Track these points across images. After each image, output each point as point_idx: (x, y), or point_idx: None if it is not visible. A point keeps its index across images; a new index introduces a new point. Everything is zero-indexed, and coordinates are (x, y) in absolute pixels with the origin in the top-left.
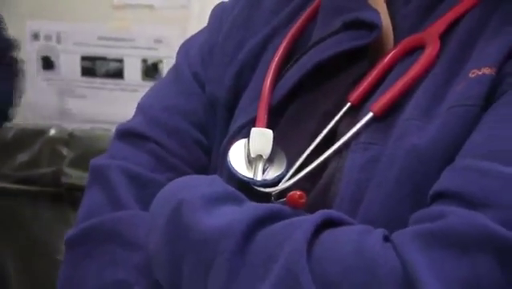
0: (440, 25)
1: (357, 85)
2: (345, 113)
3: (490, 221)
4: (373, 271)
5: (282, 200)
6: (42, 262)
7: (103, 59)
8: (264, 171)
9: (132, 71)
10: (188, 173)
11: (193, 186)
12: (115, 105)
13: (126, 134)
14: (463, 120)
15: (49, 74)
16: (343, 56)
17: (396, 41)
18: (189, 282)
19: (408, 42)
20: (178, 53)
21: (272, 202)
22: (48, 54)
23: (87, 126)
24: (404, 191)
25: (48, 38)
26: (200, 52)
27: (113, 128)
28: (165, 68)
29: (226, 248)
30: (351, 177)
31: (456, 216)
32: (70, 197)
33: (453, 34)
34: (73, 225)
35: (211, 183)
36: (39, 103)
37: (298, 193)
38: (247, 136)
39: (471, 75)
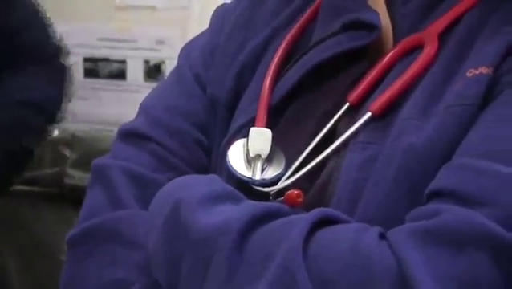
0: (439, 24)
1: (356, 85)
2: (344, 113)
3: (486, 220)
4: (369, 269)
5: (280, 199)
6: (44, 263)
7: (106, 60)
8: (263, 170)
9: (135, 72)
10: (189, 174)
11: (191, 186)
12: (118, 106)
13: (128, 134)
14: (460, 119)
15: None
16: (342, 57)
17: (396, 41)
18: (188, 280)
19: (407, 41)
20: (180, 55)
21: (270, 201)
22: None
23: (90, 127)
24: (402, 190)
25: None
26: (201, 54)
27: (116, 130)
28: (167, 69)
29: (225, 245)
30: (348, 176)
31: (451, 214)
32: (72, 198)
33: (453, 33)
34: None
35: (210, 182)
36: None
37: (296, 192)
38: (247, 135)
39: (468, 75)
